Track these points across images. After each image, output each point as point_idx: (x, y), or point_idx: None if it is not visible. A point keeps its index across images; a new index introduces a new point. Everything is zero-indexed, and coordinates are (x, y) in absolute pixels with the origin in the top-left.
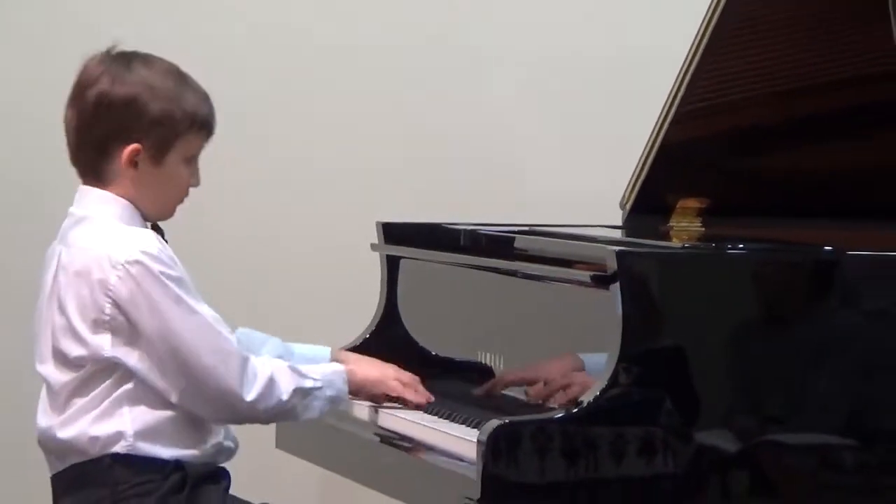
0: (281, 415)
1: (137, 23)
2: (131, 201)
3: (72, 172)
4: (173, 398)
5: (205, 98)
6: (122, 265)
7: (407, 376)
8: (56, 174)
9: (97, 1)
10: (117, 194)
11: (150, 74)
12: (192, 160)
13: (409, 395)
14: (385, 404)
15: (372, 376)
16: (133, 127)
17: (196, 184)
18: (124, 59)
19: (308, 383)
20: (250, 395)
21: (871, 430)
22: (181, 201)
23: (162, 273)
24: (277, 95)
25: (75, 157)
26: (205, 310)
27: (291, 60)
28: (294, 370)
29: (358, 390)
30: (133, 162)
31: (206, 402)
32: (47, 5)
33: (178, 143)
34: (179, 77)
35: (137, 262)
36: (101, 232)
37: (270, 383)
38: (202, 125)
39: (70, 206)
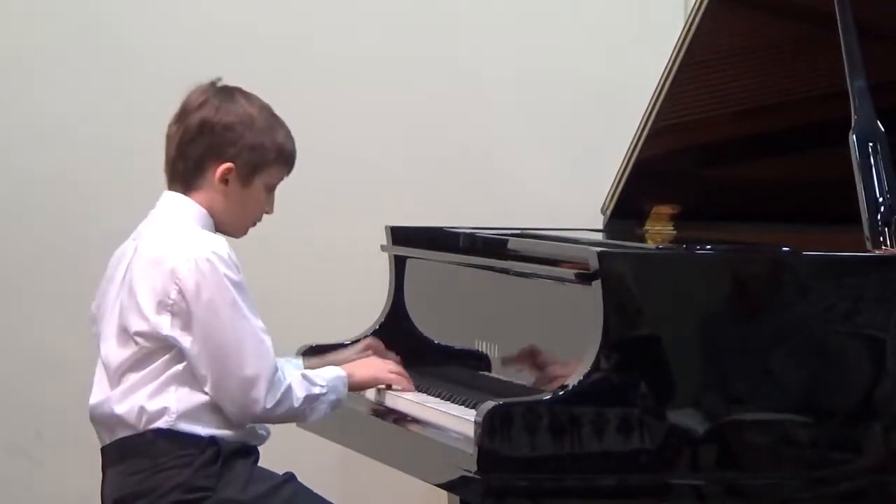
0: (290, 418)
1: (141, 27)
2: (211, 212)
3: (121, 182)
4: (206, 387)
5: (290, 136)
6: (194, 259)
7: (395, 366)
8: (101, 182)
9: (102, 4)
10: (200, 202)
11: (249, 107)
12: (271, 189)
13: (403, 384)
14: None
15: (367, 376)
16: (229, 149)
17: (270, 212)
18: (227, 92)
19: (316, 390)
20: (270, 402)
21: (823, 409)
22: (254, 224)
23: (226, 276)
24: (292, 103)
25: (171, 166)
26: (255, 320)
27: (303, 70)
28: (305, 378)
29: (356, 390)
30: (225, 179)
31: (229, 398)
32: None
33: (264, 171)
34: (273, 114)
35: (208, 260)
36: (179, 230)
37: (288, 391)
38: (287, 159)
39: (116, 212)
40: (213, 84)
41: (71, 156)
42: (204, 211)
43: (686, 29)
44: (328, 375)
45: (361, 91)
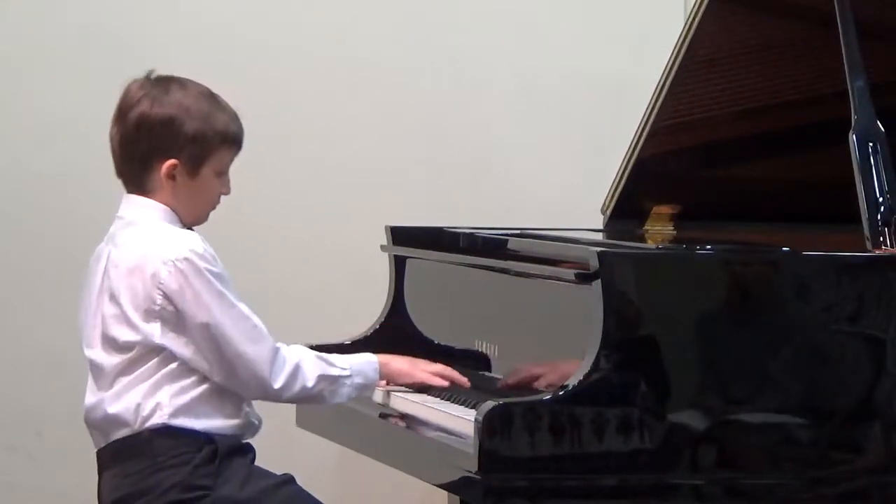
0: (307, 399)
1: (142, 26)
2: (171, 208)
3: (120, 183)
4: (217, 379)
5: (234, 117)
6: (173, 262)
7: (436, 367)
8: (102, 181)
9: (105, 6)
10: (158, 200)
11: (185, 97)
12: (222, 173)
13: (436, 382)
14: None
15: (403, 368)
16: (170, 144)
17: (227, 192)
18: (162, 84)
19: (335, 371)
20: (278, 383)
21: (823, 409)
22: (213, 208)
23: (207, 270)
24: (293, 104)
25: (120, 170)
26: (242, 305)
27: (303, 71)
28: (321, 359)
29: (388, 380)
30: (171, 175)
31: (240, 384)
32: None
33: (210, 159)
34: (211, 99)
35: (186, 259)
36: (151, 233)
37: (296, 370)
38: (232, 142)
39: (115, 212)
40: (146, 78)
41: (71, 156)
42: (166, 207)
43: (686, 29)
44: (353, 359)
45: (361, 91)
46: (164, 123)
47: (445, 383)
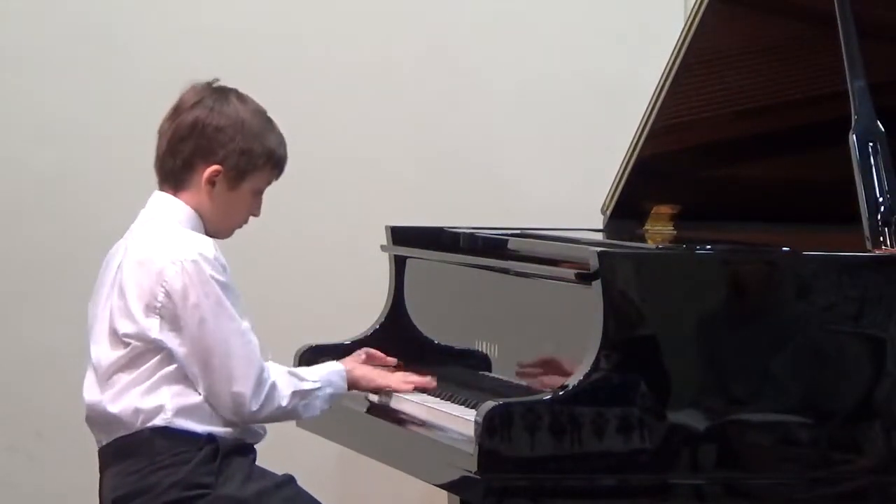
0: (281, 417)
1: (141, 27)
2: (198, 212)
3: (120, 182)
4: (199, 389)
5: (282, 142)
6: (181, 261)
7: (400, 374)
8: (101, 181)
9: (104, 6)
10: (188, 202)
11: (243, 111)
12: (258, 193)
13: (402, 388)
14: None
15: (367, 373)
16: (219, 151)
17: (257, 214)
18: (223, 93)
19: (307, 385)
20: (256, 405)
21: (823, 409)
22: (240, 226)
23: (212, 276)
24: (293, 103)
25: (161, 163)
26: (242, 321)
27: (303, 70)
28: (293, 374)
29: (355, 385)
30: (212, 181)
31: (219, 400)
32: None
33: (252, 175)
34: (266, 118)
35: (194, 261)
36: (166, 231)
37: (272, 390)
38: (276, 164)
39: (114, 212)
40: (209, 84)
41: (71, 156)
42: (192, 212)
43: (686, 29)
44: (322, 370)
45: (362, 91)
46: (217, 129)
47: (409, 388)
